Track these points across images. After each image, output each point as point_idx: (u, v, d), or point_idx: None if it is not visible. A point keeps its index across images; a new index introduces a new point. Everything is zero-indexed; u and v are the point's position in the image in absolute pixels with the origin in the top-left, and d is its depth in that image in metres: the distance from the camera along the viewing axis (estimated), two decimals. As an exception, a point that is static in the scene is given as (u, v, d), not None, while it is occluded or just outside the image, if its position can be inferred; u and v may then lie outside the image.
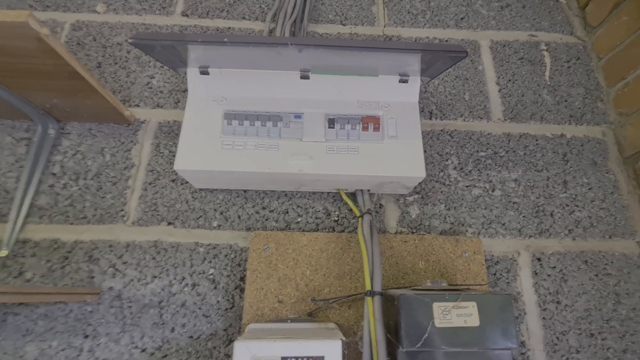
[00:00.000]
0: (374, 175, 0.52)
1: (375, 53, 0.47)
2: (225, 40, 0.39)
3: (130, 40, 0.39)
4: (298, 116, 0.54)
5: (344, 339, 0.38)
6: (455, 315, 0.38)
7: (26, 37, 0.41)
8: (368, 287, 0.44)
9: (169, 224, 0.58)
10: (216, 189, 0.60)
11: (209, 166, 0.51)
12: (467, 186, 0.62)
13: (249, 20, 0.75)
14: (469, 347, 0.37)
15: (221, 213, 0.59)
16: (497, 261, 0.57)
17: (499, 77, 0.71)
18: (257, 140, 0.52)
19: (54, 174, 0.60)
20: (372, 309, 0.42)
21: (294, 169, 0.51)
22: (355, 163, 0.52)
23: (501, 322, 0.38)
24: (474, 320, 0.38)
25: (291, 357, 0.36)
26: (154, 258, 0.55)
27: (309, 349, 0.36)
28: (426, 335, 0.37)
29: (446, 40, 0.74)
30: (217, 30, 0.73)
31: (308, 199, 0.60)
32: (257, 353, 0.36)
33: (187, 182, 0.60)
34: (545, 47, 0.74)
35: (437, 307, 0.38)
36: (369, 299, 0.43)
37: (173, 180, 0.60)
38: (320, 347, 0.36)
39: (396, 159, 0.52)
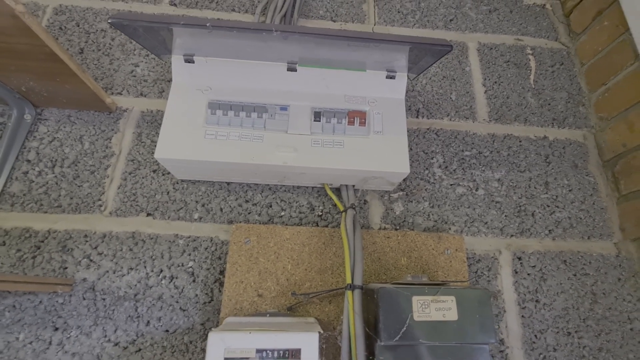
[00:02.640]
0: (358, 170, 0.51)
1: (361, 46, 0.47)
2: (207, 24, 0.38)
3: (110, 20, 0.38)
4: (284, 108, 0.54)
5: (321, 331, 0.37)
6: (434, 309, 0.38)
7: (0, 13, 0.39)
8: (348, 280, 0.43)
9: (148, 214, 0.56)
10: (198, 181, 0.59)
11: (191, 155, 0.50)
12: (451, 185, 0.62)
13: (239, 12, 0.74)
14: (447, 341, 0.37)
15: (203, 205, 0.57)
16: (479, 259, 0.58)
17: (485, 79, 0.72)
18: (241, 131, 0.52)
19: (28, 161, 0.58)
20: (352, 302, 0.42)
21: (278, 161, 0.50)
22: (340, 157, 0.51)
23: (479, 317, 0.38)
24: (452, 315, 0.38)
25: (266, 350, 0.35)
26: (131, 249, 0.54)
27: (285, 341, 0.35)
28: (404, 328, 0.37)
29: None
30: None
31: (292, 193, 0.59)
32: (231, 345, 0.35)
33: (168, 173, 0.59)
34: (530, 52, 0.75)
35: (417, 301, 0.38)
36: (349, 293, 0.42)
37: (154, 171, 0.59)
38: (296, 340, 0.36)
39: (381, 154, 0.52)
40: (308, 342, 0.36)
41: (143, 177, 0.58)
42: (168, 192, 0.58)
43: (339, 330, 0.47)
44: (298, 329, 0.38)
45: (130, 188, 0.57)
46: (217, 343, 0.35)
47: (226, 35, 0.45)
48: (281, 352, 0.35)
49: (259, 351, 0.35)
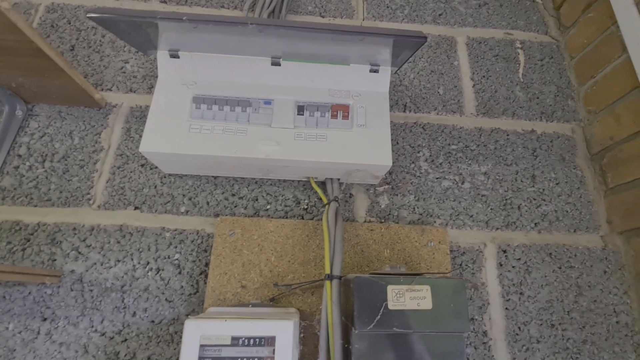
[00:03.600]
0: (341, 163, 0.52)
1: (344, 40, 0.47)
2: (184, 18, 0.39)
3: (88, 15, 0.38)
4: (268, 102, 0.54)
5: (296, 319, 0.38)
6: (408, 298, 0.38)
7: (-16, 10, 0.40)
8: (327, 271, 0.44)
9: (136, 208, 0.57)
10: (185, 175, 0.59)
11: (175, 149, 0.50)
12: (437, 178, 0.62)
13: (228, 9, 0.75)
14: (421, 329, 0.38)
15: (190, 199, 0.58)
16: (464, 252, 0.58)
17: (473, 73, 0.72)
18: (225, 125, 0.52)
19: (19, 156, 0.59)
20: (330, 292, 0.42)
21: (261, 154, 0.51)
22: (322, 150, 0.52)
23: (454, 306, 0.38)
24: (427, 304, 0.38)
25: (242, 337, 0.36)
26: (118, 242, 0.55)
27: (259, 329, 0.36)
28: (379, 317, 0.37)
29: (423, 36, 0.75)
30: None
31: (278, 187, 0.60)
32: (207, 332, 0.36)
33: (156, 167, 0.59)
34: (520, 46, 0.75)
35: (391, 290, 0.38)
36: (327, 283, 0.43)
37: (142, 165, 0.60)
38: (271, 328, 0.36)
39: (364, 147, 0.52)
40: (282, 330, 0.36)
41: (131, 172, 0.59)
42: (155, 186, 0.58)
43: (317, 319, 0.48)
44: (274, 318, 0.38)
45: (118, 182, 0.58)
46: (193, 330, 0.36)
47: (209, 30, 0.46)
48: (256, 339, 0.36)
49: (234, 339, 0.36)
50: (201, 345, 0.36)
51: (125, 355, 0.49)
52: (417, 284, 0.39)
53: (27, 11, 0.70)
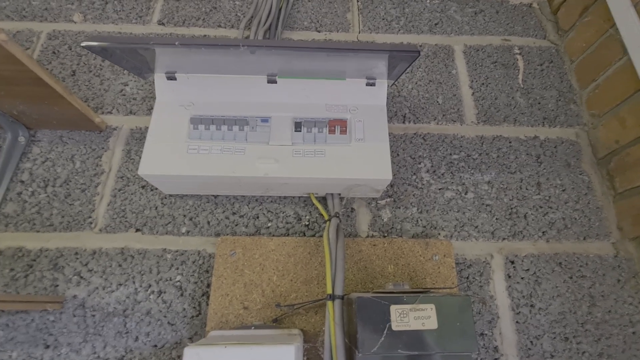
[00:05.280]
0: (341, 178, 0.51)
1: (339, 55, 0.47)
2: (176, 43, 0.39)
3: (83, 44, 0.39)
4: (265, 120, 0.54)
5: (298, 344, 0.37)
6: (412, 318, 0.37)
7: (-17, 43, 0.41)
8: (329, 290, 0.43)
9: (137, 230, 0.57)
10: (186, 195, 0.59)
11: (173, 171, 0.50)
12: (439, 189, 0.61)
13: (225, 27, 0.75)
14: (426, 351, 0.36)
15: (190, 219, 0.58)
16: (470, 264, 0.56)
17: (472, 81, 0.71)
18: (223, 144, 0.52)
19: (22, 182, 0.59)
20: (332, 313, 0.41)
21: (260, 172, 0.51)
22: (321, 166, 0.51)
23: (460, 325, 0.37)
24: (432, 323, 0.37)
25: (243, 364, 0.35)
26: (120, 265, 0.54)
27: (261, 355, 0.35)
28: (382, 339, 0.36)
29: (420, 46, 0.75)
30: (193, 38, 0.74)
31: (279, 204, 0.59)
32: (207, 359, 0.35)
33: (157, 189, 0.60)
34: (518, 51, 0.75)
35: (395, 310, 0.37)
36: (329, 303, 0.42)
37: (143, 187, 0.60)
38: (272, 354, 0.35)
39: (363, 161, 0.52)
40: (284, 356, 0.35)
41: (132, 194, 0.59)
42: (156, 207, 0.58)
43: (321, 341, 0.47)
44: (277, 342, 0.38)
45: (119, 205, 0.58)
46: (193, 358, 0.35)
47: (203, 52, 0.46)
48: (258, 366, 0.35)
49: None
50: (202, 374, 0.35)
51: (128, 382, 0.48)
52: (421, 303, 0.38)
53: (29, 39, 0.72)
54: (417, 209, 0.60)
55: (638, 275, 0.57)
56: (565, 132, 0.67)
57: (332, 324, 0.41)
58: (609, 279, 0.56)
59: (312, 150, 0.52)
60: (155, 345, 0.50)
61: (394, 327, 0.37)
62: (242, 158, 0.51)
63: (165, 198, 0.59)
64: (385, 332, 0.36)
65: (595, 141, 0.65)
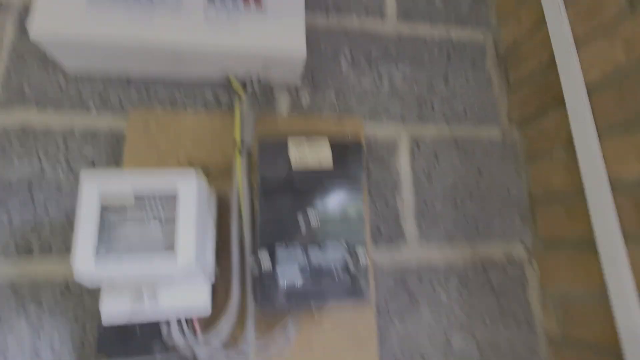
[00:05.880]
0: (253, 52, 0.51)
1: None
2: None
3: None
4: (175, -12, 0.51)
5: (202, 180, 0.39)
6: (309, 154, 0.41)
7: None
8: (237, 139, 0.45)
9: (39, 107, 0.53)
10: (96, 77, 0.56)
11: (72, 35, 0.47)
12: (357, 79, 0.65)
13: None
14: (321, 188, 0.41)
15: (100, 97, 0.55)
16: (380, 144, 0.62)
17: (395, -21, 0.73)
18: (130, 15, 0.49)
19: None
20: (239, 161, 0.44)
21: (168, 41, 0.49)
22: (234, 39, 0.51)
23: (351, 167, 0.42)
24: (327, 162, 0.41)
25: (145, 196, 0.36)
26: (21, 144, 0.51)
27: (162, 182, 0.37)
28: (284, 176, 0.39)
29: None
30: None
31: (198, 89, 0.59)
32: (106, 188, 0.36)
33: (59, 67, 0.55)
34: (440, -45, 0.77)
35: (292, 143, 0.40)
36: (237, 153, 0.44)
37: (43, 62, 0.55)
38: (174, 182, 0.37)
39: (277, 36, 0.52)
40: (186, 184, 0.37)
41: (30, 69, 0.55)
42: (60, 85, 0.55)
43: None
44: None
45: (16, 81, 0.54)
46: (91, 187, 0.35)
47: None
48: (159, 197, 0.37)
49: (137, 198, 0.36)
50: (102, 206, 0.36)
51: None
52: (316, 139, 0.41)
53: None
54: (335, 96, 0.63)
55: (518, 155, 0.66)
56: (474, 33, 0.73)
57: (239, 170, 0.43)
58: (495, 158, 0.65)
59: (225, 21, 0.52)
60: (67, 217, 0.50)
61: (294, 167, 0.40)
62: (150, 26, 0.49)
63: (71, 77, 0.55)
64: (286, 172, 0.39)
65: (498, 41, 0.72)
